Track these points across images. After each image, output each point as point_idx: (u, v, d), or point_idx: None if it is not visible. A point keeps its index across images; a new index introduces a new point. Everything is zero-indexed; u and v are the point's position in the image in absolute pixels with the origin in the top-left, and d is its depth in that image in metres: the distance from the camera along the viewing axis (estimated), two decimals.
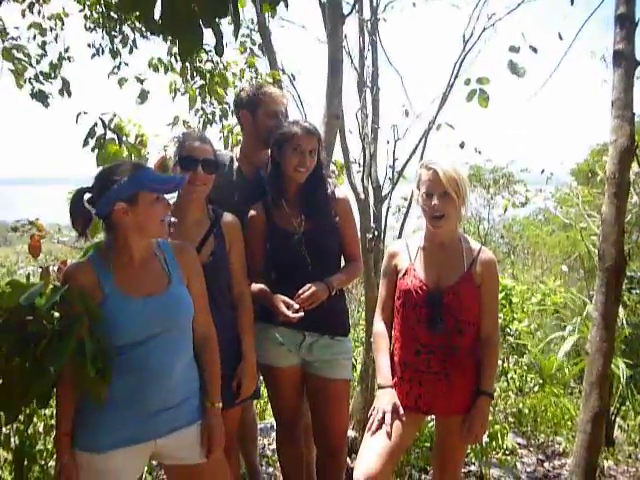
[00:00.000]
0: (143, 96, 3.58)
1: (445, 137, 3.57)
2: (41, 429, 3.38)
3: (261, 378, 2.49)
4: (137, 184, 1.71)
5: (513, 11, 3.63)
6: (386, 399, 2.17)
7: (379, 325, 2.32)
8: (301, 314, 2.20)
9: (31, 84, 4.12)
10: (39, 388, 1.54)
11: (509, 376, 5.06)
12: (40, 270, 3.34)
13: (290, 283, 2.29)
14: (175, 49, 3.85)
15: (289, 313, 2.19)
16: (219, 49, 1.59)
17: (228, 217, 2.25)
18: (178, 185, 1.89)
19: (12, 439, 3.15)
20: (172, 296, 1.80)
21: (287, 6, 1.58)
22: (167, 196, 1.84)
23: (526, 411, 4.32)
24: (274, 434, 3.96)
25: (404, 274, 2.22)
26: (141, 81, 3.66)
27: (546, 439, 3.99)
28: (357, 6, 3.63)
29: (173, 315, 1.79)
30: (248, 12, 4.61)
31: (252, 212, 2.39)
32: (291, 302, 2.21)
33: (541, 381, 4.95)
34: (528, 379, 5.16)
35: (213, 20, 1.34)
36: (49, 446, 3.32)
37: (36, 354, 1.47)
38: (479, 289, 2.15)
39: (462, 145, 3.53)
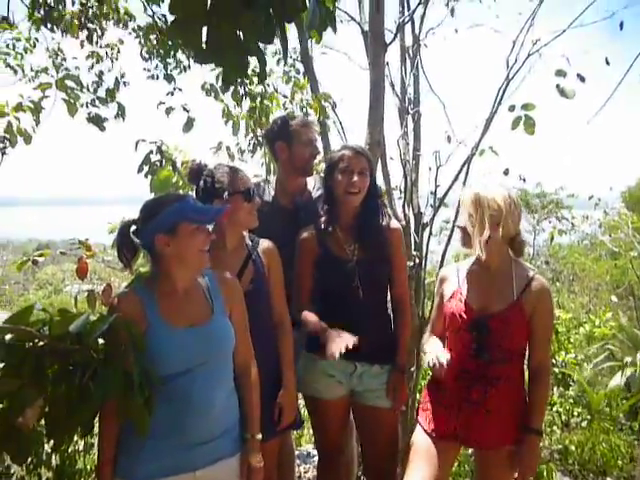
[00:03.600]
0: (189, 124, 3.68)
1: (489, 163, 3.51)
2: (81, 447, 3.44)
3: (300, 407, 2.46)
4: (176, 215, 1.73)
5: (558, 37, 3.57)
6: (435, 343, 2.17)
7: (429, 335, 2.31)
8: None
9: (87, 108, 4.28)
10: (83, 416, 1.55)
11: (554, 409, 4.87)
12: (87, 292, 3.43)
13: (339, 312, 2.27)
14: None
15: (336, 355, 2.03)
16: (262, 75, 1.61)
17: (265, 243, 2.25)
18: (216, 215, 1.91)
19: (53, 458, 3.22)
20: (215, 327, 1.81)
21: (335, 31, 1.59)
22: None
23: (573, 448, 4.12)
24: (311, 460, 3.94)
25: (450, 297, 2.18)
26: (187, 110, 3.77)
27: (595, 479, 3.80)
28: (399, 34, 3.65)
29: (215, 346, 1.80)
30: (290, 41, 4.70)
31: (304, 235, 2.37)
32: (347, 338, 2.05)
33: (589, 416, 4.74)
34: (575, 413, 4.95)
35: (257, 46, 1.36)
36: (88, 465, 3.37)
37: (82, 383, 1.49)
38: (529, 318, 2.08)
39: (506, 172, 3.45)
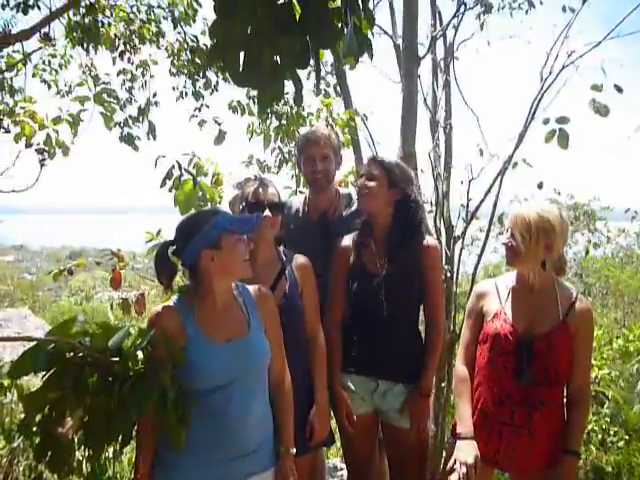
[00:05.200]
0: (220, 138, 3.74)
1: (522, 176, 3.46)
2: (110, 454, 3.48)
3: (333, 424, 2.45)
4: (218, 228, 1.75)
5: (594, 48, 3.51)
6: (468, 451, 2.05)
7: (461, 369, 2.22)
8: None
9: (120, 128, 4.38)
10: (121, 428, 1.57)
11: (589, 427, 4.72)
12: (120, 300, 3.50)
13: (364, 325, 2.27)
14: (253, 92, 4.00)
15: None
16: (298, 99, 1.61)
17: (300, 259, 2.25)
18: (256, 224, 1.91)
19: (84, 465, 3.26)
20: (252, 341, 1.82)
21: (371, 57, 1.58)
22: None
23: (609, 469, 3.99)
24: (338, 474, 3.92)
25: (493, 317, 2.12)
26: (219, 123, 3.83)
27: None
28: (431, 48, 3.64)
29: (253, 360, 1.81)
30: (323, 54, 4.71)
31: (342, 244, 2.36)
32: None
33: (626, 436, 4.58)
34: (610, 432, 4.79)
35: (294, 71, 1.37)
36: (118, 473, 3.41)
37: (120, 395, 1.51)
38: (573, 340, 2.03)
39: (540, 185, 3.40)
